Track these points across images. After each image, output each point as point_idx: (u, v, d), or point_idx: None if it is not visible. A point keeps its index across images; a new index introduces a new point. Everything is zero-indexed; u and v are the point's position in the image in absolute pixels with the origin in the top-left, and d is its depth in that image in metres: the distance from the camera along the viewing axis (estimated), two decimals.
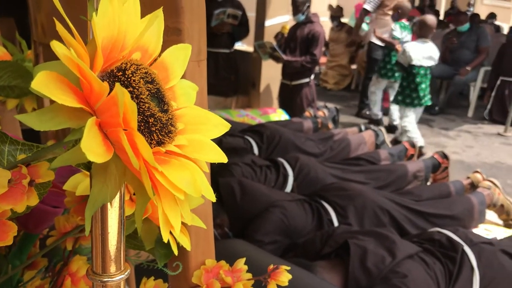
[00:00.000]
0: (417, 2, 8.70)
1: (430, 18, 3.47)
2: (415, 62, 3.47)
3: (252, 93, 3.97)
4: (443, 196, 2.04)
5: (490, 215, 2.07)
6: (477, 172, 2.22)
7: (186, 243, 0.32)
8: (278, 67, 3.59)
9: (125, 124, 0.23)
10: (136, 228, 0.44)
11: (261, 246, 1.50)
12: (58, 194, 0.47)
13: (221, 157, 0.29)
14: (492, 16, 7.60)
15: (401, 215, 1.76)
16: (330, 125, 3.19)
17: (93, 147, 0.21)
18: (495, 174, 3.31)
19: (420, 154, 3.29)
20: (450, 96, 5.13)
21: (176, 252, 0.41)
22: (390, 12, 4.25)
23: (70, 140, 0.26)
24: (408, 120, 3.63)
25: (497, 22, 7.38)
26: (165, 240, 0.26)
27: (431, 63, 3.51)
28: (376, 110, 4.47)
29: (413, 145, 2.62)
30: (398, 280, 1.23)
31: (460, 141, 4.16)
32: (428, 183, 2.36)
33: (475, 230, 1.87)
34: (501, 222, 2.08)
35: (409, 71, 3.53)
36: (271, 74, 3.81)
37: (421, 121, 4.77)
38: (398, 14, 3.99)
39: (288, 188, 2.04)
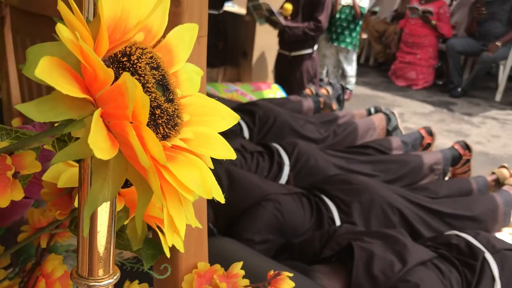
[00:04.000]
0: None
1: None
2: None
3: (243, 64, 3.97)
4: (463, 193, 2.08)
5: None
6: (503, 167, 2.27)
7: (179, 244, 0.34)
8: (275, 34, 3.59)
9: (133, 117, 0.25)
10: (121, 226, 0.46)
11: (251, 245, 1.53)
12: (29, 183, 0.49)
13: (230, 153, 0.31)
14: None
15: (413, 215, 1.80)
16: (334, 105, 3.21)
17: (99, 142, 0.23)
18: None
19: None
20: (475, 76, 5.17)
21: (168, 254, 0.43)
22: None
23: (59, 131, 0.28)
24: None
25: None
26: (170, 245, 0.28)
27: None
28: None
29: (430, 132, 2.66)
30: None
31: (485, 130, 4.21)
32: (447, 178, 2.40)
33: (498, 235, 1.91)
34: None
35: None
36: (266, 42, 3.82)
37: (440, 104, 4.82)
38: None
39: (283, 178, 2.07)
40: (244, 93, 3.38)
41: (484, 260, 1.45)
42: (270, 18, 3.41)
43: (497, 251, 1.49)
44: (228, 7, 4.04)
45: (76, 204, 0.40)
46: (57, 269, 0.47)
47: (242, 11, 4.05)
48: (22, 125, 0.62)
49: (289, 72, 3.59)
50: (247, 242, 1.54)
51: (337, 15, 4.33)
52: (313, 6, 3.38)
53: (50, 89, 0.28)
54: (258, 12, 3.44)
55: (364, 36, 6.30)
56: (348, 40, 4.41)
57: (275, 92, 3.47)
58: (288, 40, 3.49)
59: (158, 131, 0.28)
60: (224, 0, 3.72)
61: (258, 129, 2.49)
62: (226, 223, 1.70)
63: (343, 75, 4.65)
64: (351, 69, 4.57)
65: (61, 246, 0.50)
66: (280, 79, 3.69)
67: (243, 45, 3.93)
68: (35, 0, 0.55)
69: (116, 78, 0.26)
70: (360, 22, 4.41)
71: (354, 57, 4.58)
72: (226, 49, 3.87)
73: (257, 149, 2.15)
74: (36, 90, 0.63)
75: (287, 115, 2.58)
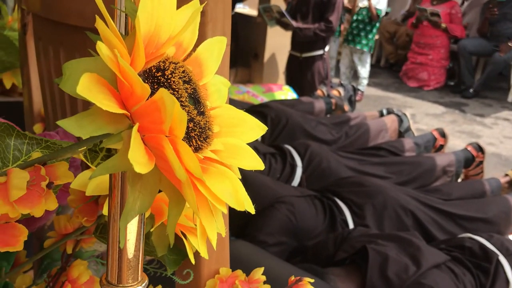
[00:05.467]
0: None
1: None
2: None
3: (254, 66, 3.97)
4: (476, 195, 2.07)
5: None
6: None
7: (203, 251, 0.35)
8: (286, 35, 3.60)
9: (168, 131, 0.25)
10: (146, 232, 0.47)
11: (264, 247, 1.54)
12: None
13: (258, 164, 0.32)
14: None
15: (427, 217, 1.80)
16: (346, 107, 3.21)
17: (138, 157, 0.24)
18: None
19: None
20: (487, 76, 5.14)
21: (193, 260, 0.44)
22: None
23: (93, 142, 0.29)
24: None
25: None
26: (202, 255, 0.29)
27: None
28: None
29: (443, 134, 2.65)
30: None
31: (497, 131, 4.19)
32: (459, 180, 2.40)
33: (511, 237, 1.91)
34: None
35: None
36: (277, 43, 3.82)
37: (452, 105, 4.80)
38: None
39: (296, 180, 2.07)
40: (256, 94, 3.39)
41: (498, 263, 1.44)
42: (280, 20, 3.41)
43: (511, 254, 1.49)
44: (239, 8, 4.05)
45: (105, 212, 0.41)
46: (83, 275, 0.48)
47: (254, 12, 4.06)
48: (45, 131, 0.63)
49: (300, 74, 3.60)
50: (260, 244, 1.54)
51: (354, 17, 4.35)
52: (323, 7, 3.38)
53: (73, 96, 0.28)
54: (269, 14, 3.44)
55: (376, 37, 6.28)
56: (364, 41, 4.42)
57: (286, 93, 3.47)
58: (299, 41, 3.50)
59: (191, 144, 0.28)
60: (235, 1, 3.72)
61: (270, 130, 2.50)
62: (240, 225, 1.71)
63: (355, 76, 4.66)
64: (364, 70, 4.58)
65: (86, 251, 0.51)
66: (291, 81, 3.69)
67: (254, 46, 3.94)
68: (57, 9, 0.56)
69: (151, 92, 0.26)
70: (377, 25, 4.42)
71: (368, 59, 4.58)
72: (237, 50, 3.88)
73: (270, 151, 2.15)
74: (58, 96, 0.64)
75: (299, 117, 2.59)
